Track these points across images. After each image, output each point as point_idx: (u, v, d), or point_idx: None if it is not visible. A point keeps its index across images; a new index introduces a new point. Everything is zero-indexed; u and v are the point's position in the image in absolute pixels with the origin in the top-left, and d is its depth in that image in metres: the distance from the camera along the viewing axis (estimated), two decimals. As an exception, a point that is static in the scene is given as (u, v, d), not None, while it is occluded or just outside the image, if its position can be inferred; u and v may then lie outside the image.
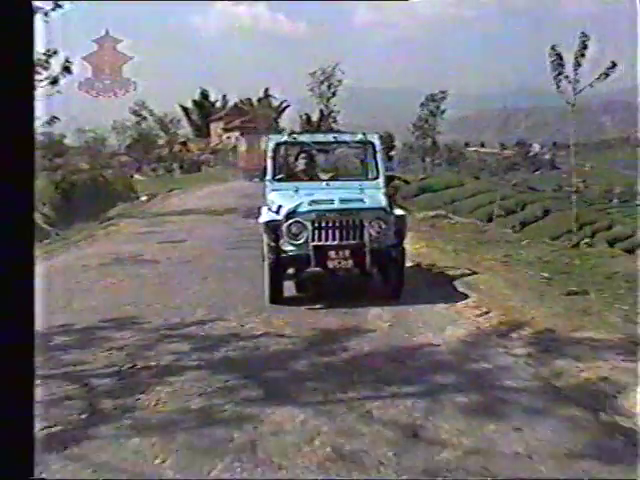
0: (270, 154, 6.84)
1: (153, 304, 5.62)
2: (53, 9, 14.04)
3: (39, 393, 3.00)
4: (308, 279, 6.15)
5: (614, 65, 14.03)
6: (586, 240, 13.54)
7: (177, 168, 54.51)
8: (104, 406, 3.27)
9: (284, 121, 68.55)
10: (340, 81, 51.22)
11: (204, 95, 78.97)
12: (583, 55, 14.06)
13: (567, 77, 14.17)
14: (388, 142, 78.96)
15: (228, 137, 67.27)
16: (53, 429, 2.95)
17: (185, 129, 71.40)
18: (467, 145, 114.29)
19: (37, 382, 1.99)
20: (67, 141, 68.11)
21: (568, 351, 3.99)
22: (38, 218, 14.40)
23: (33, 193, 1.58)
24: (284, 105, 70.55)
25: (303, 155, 7.10)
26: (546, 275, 6.34)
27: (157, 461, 2.65)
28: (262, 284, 5.81)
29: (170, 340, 4.45)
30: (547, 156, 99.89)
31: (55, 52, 16.16)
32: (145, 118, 60.26)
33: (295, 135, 7.58)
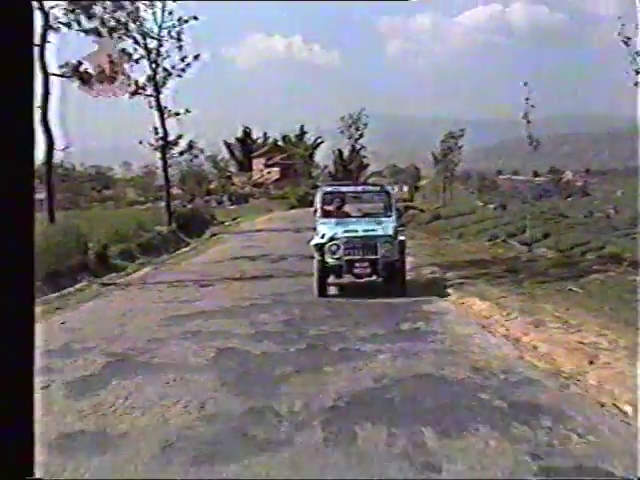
0: (320, 199, 10.24)
1: (274, 252, 17.78)
2: None
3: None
4: (347, 287, 9.94)
5: None
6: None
7: (227, 200, 66.34)
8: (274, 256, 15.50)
9: (319, 155, 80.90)
10: (366, 124, 63.66)
11: (246, 132, 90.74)
12: None
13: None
14: (415, 174, 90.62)
15: (269, 172, 79.60)
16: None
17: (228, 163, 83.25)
18: (499, 173, 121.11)
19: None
20: (114, 173, 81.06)
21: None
22: (177, 232, 26.58)
23: (33, 193, 1.71)
24: (318, 141, 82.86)
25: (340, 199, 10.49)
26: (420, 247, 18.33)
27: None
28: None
29: (286, 256, 16.68)
30: (579, 183, 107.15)
31: (181, 136, 28.34)
32: (197, 156, 73.12)
33: (337, 186, 11.44)
